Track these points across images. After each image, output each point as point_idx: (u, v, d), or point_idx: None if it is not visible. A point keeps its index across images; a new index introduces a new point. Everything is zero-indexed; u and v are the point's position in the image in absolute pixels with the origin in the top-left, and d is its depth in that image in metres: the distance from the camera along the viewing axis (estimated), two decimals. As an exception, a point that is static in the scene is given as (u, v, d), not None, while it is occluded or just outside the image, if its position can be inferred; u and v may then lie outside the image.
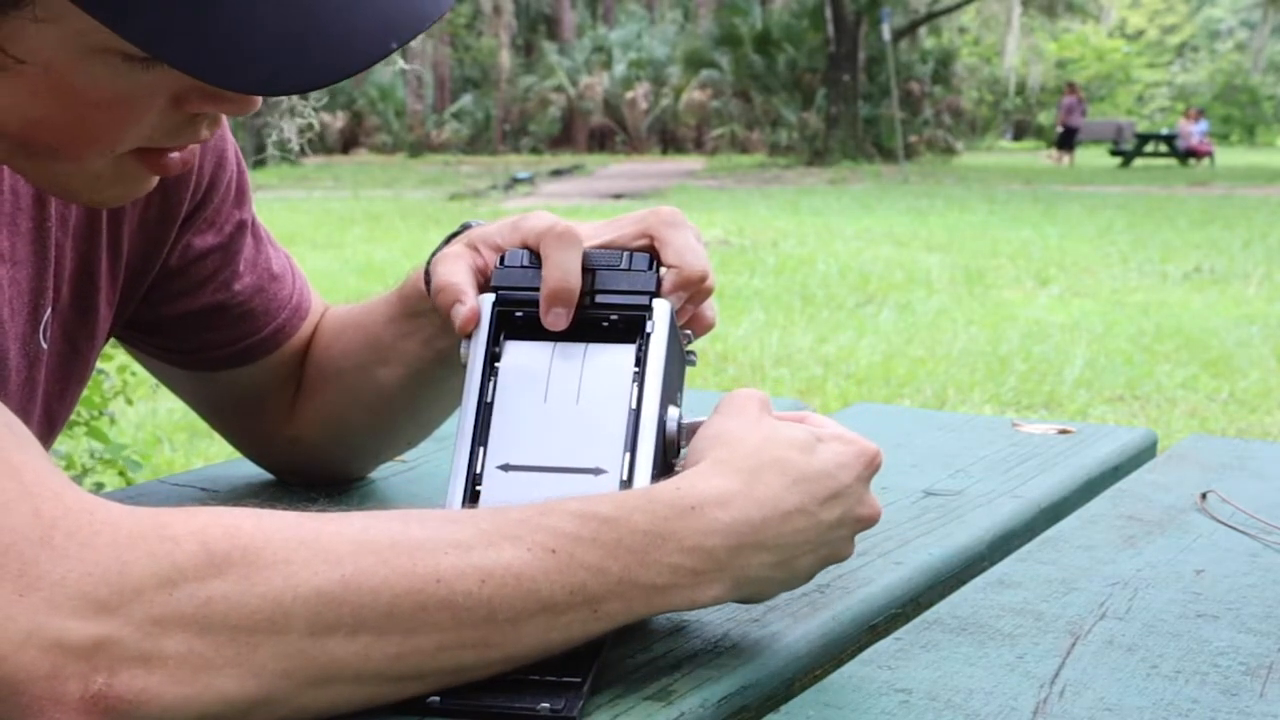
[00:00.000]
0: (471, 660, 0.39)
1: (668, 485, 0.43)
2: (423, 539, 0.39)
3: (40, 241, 0.54)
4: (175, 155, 0.47)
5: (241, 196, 0.63)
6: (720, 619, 0.50)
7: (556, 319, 0.47)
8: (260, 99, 0.46)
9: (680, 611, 0.44)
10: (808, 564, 0.45)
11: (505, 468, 0.46)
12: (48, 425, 0.57)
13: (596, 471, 0.46)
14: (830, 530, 0.45)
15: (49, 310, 0.55)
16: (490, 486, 0.46)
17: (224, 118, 0.57)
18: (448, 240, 0.55)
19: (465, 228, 0.55)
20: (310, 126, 0.78)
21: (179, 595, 0.35)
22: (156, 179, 0.49)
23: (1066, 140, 17.97)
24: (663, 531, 0.41)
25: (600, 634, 0.41)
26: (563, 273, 0.48)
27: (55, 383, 0.57)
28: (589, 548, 0.40)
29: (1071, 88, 18.99)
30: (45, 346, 0.56)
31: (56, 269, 0.55)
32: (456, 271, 0.51)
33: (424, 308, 0.57)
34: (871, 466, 0.47)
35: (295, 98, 0.75)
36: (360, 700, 0.38)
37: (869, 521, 0.47)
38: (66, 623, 0.35)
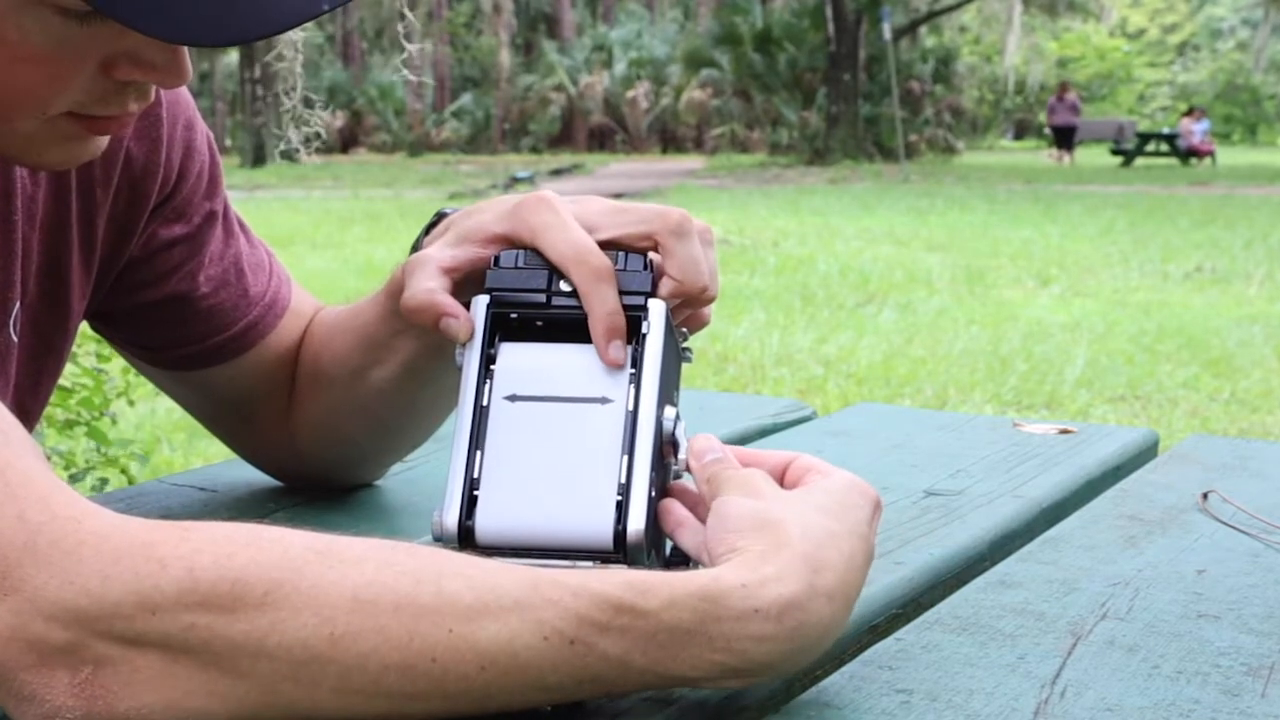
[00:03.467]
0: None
1: (733, 580, 0.39)
2: (430, 606, 0.36)
3: (5, 235, 0.54)
4: (112, 119, 0.46)
5: (213, 186, 0.62)
6: (720, 619, 0.49)
7: (617, 352, 0.46)
8: (189, 74, 0.45)
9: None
10: (859, 584, 0.43)
11: (512, 398, 0.46)
12: (21, 418, 0.57)
13: (604, 400, 0.46)
14: (870, 551, 0.44)
15: (17, 304, 0.55)
16: (497, 418, 0.46)
17: (158, 91, 0.56)
18: (427, 230, 0.54)
19: (440, 216, 0.54)
20: (318, 135, 0.78)
21: (159, 619, 0.35)
22: (103, 142, 0.48)
23: (1064, 139, 17.96)
24: (710, 632, 0.38)
25: (597, 698, 0.39)
26: (610, 308, 0.47)
27: (28, 376, 0.57)
28: (615, 640, 0.37)
29: (1063, 87, 18.98)
30: (15, 340, 0.55)
31: (24, 263, 0.55)
32: (427, 283, 0.49)
33: None
34: (879, 513, 0.46)
35: (301, 105, 0.75)
36: None
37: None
38: (47, 625, 0.35)
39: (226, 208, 0.63)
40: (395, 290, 0.57)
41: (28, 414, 0.58)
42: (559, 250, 0.48)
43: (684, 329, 0.51)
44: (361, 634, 0.36)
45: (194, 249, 0.61)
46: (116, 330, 0.63)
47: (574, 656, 0.37)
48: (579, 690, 0.38)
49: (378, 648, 0.36)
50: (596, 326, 0.47)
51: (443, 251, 0.51)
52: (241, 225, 0.64)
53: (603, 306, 0.47)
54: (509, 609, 0.37)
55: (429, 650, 0.36)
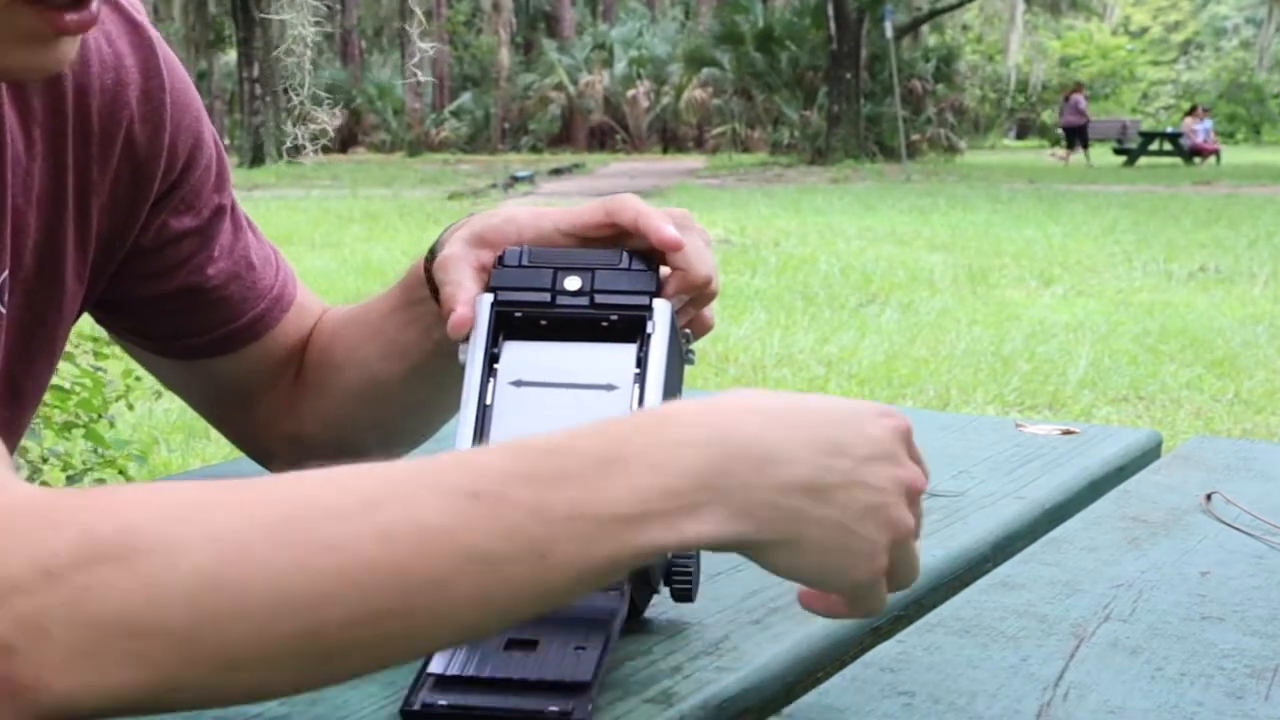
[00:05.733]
0: (400, 629, 0.34)
1: (642, 411, 0.37)
2: (328, 505, 0.34)
3: None
4: (73, 16, 0.45)
5: (221, 181, 0.62)
6: (721, 620, 0.49)
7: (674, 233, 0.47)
8: None
9: (674, 551, 0.36)
10: (857, 511, 0.38)
11: (518, 384, 0.46)
12: (11, 395, 0.56)
13: (609, 387, 0.46)
14: (874, 480, 0.38)
15: (5, 273, 0.54)
16: (502, 403, 0.46)
17: (163, 77, 0.56)
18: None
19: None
20: (324, 133, 0.77)
21: (59, 587, 0.32)
22: (69, 48, 0.47)
23: (1072, 139, 17.98)
24: (620, 453, 0.35)
25: (563, 587, 0.35)
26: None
27: (20, 352, 0.56)
28: (523, 484, 0.34)
29: (1074, 88, 19.03)
30: (3, 311, 0.55)
31: (16, 235, 0.54)
32: (460, 274, 0.50)
33: (422, 295, 0.57)
34: (901, 433, 0.41)
35: (309, 103, 0.75)
36: (286, 681, 0.35)
37: (915, 487, 0.40)
38: None
39: (234, 204, 0.64)
40: (409, 284, 0.58)
41: (18, 389, 0.57)
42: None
43: (687, 330, 0.51)
44: (252, 544, 0.33)
45: (203, 242, 0.61)
46: (125, 320, 0.63)
47: (483, 508, 0.34)
48: (508, 553, 0.34)
49: (269, 554, 0.33)
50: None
51: (469, 251, 0.51)
52: (249, 222, 0.65)
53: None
54: (403, 481, 0.35)
55: (325, 540, 0.33)
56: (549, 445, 0.36)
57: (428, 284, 0.56)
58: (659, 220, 0.48)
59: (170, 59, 0.59)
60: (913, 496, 0.41)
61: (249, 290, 0.63)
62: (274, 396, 0.65)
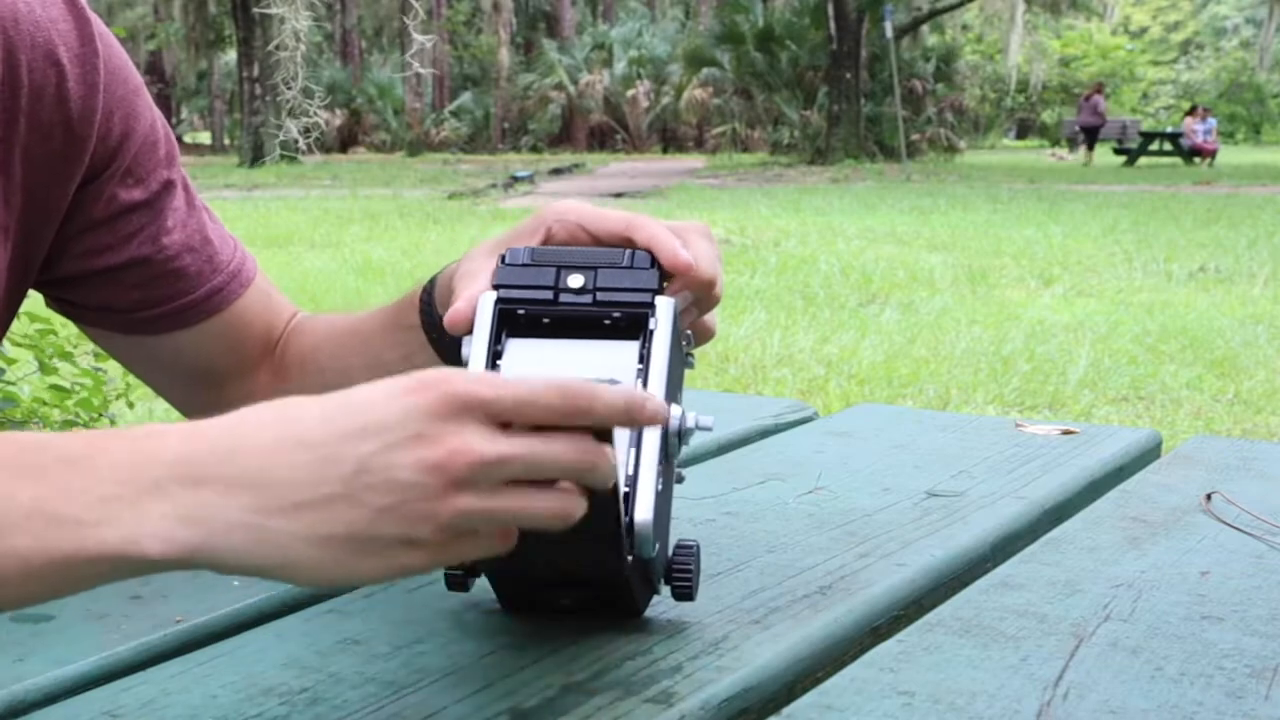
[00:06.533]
0: None
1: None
2: None
3: None
4: None
5: (170, 157, 0.63)
6: (721, 620, 0.49)
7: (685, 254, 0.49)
8: None
9: (127, 557, 0.35)
10: (365, 518, 0.35)
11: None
12: None
13: (612, 384, 0.46)
14: (386, 475, 0.35)
15: None
16: None
17: (95, 40, 0.56)
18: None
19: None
20: (316, 125, 0.78)
21: None
22: None
23: (1086, 137, 18.00)
24: (94, 455, 0.36)
25: (16, 580, 0.35)
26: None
27: None
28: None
29: (1094, 88, 19.05)
30: None
31: None
32: (471, 280, 0.50)
33: (411, 321, 0.58)
34: (428, 409, 0.35)
35: (300, 96, 0.75)
36: None
37: (450, 464, 0.35)
38: None
39: (187, 183, 0.64)
40: (403, 305, 0.59)
41: None
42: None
43: (689, 332, 0.51)
44: None
45: (154, 214, 0.62)
46: (85, 296, 0.63)
47: None
48: None
49: None
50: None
51: (489, 260, 0.52)
52: (206, 208, 0.66)
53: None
54: None
55: None
56: (44, 440, 0.36)
57: (420, 313, 0.57)
58: (672, 242, 0.49)
59: (105, 34, 0.60)
60: (454, 472, 0.35)
61: (205, 264, 0.63)
62: (248, 383, 0.66)
